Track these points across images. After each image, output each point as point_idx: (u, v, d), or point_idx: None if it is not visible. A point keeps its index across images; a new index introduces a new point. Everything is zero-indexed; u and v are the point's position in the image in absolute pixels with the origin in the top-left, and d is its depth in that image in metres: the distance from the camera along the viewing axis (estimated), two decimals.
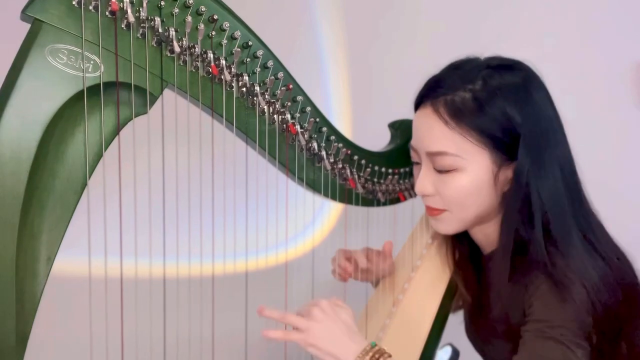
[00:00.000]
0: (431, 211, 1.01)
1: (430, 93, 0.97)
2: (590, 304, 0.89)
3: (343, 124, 1.64)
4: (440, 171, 0.97)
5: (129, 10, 0.75)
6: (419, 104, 1.00)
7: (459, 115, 0.94)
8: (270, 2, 1.64)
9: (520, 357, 0.88)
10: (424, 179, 0.99)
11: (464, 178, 0.96)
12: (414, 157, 1.03)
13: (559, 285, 0.89)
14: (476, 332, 1.13)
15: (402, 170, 1.13)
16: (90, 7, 0.73)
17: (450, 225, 1.01)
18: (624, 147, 1.68)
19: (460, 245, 1.12)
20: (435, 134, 0.95)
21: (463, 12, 1.68)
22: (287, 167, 0.97)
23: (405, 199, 1.17)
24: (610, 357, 0.94)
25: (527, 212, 0.94)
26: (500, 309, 0.99)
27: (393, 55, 1.70)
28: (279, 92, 0.91)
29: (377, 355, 0.88)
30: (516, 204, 0.95)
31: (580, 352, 0.87)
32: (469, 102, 0.94)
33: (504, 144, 0.94)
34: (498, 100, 0.93)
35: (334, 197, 1.05)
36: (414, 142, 1.01)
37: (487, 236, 1.04)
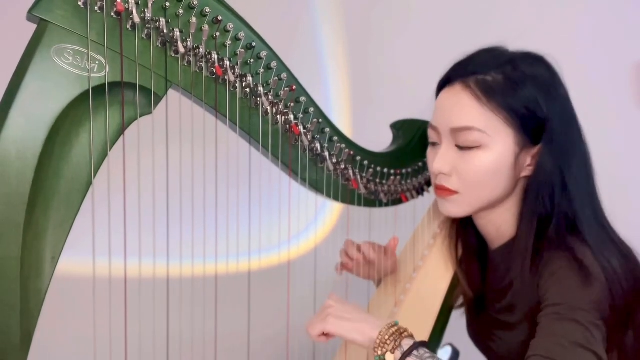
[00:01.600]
0: (442, 192, 1.01)
1: (460, 72, 0.98)
2: (608, 290, 0.89)
3: (343, 124, 1.64)
4: (463, 149, 0.97)
5: (134, 11, 0.75)
6: (445, 84, 1.01)
7: (490, 92, 0.95)
8: (270, 2, 1.65)
9: (539, 340, 0.88)
10: (444, 157, 0.98)
11: (487, 156, 0.96)
12: (432, 137, 1.02)
13: (578, 269, 0.90)
14: (479, 329, 1.13)
15: (404, 171, 1.13)
16: (96, 8, 0.74)
17: (459, 207, 1.01)
18: (624, 147, 1.68)
19: (468, 239, 1.12)
20: (463, 109, 0.96)
21: (463, 13, 1.68)
22: (290, 167, 0.97)
23: (407, 199, 1.17)
24: (618, 344, 0.94)
25: (548, 197, 0.96)
26: (513, 297, 1.00)
27: (393, 55, 1.70)
28: (282, 92, 0.91)
29: (401, 330, 0.89)
30: (539, 187, 0.96)
31: (599, 334, 0.86)
32: (501, 81, 0.95)
33: (529, 126, 0.96)
34: (529, 86, 0.96)
35: (336, 198, 1.06)
36: (435, 121, 1.01)
37: (498, 228, 1.04)
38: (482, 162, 0.96)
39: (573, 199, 0.96)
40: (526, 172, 0.99)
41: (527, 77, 0.96)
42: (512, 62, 0.98)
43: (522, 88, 0.95)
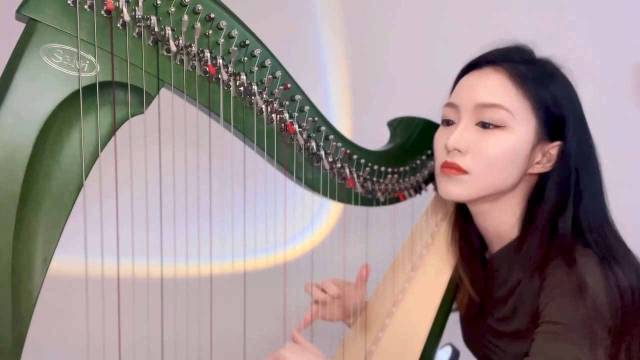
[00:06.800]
0: (450, 170, 0.98)
1: (491, 59, 0.99)
2: (615, 304, 0.88)
3: (342, 123, 1.64)
4: (485, 127, 0.96)
5: (125, 9, 0.75)
6: (471, 68, 1.01)
7: (523, 78, 0.96)
8: (270, 2, 1.64)
9: (533, 359, 0.87)
10: (462, 133, 0.97)
11: (508, 137, 0.95)
12: (448, 115, 1.02)
13: (579, 284, 0.88)
14: (476, 337, 1.12)
15: (401, 169, 1.12)
16: (86, 6, 0.73)
17: (464, 189, 0.98)
18: (624, 147, 1.67)
19: (470, 238, 1.11)
20: (494, 86, 0.97)
21: (462, 13, 1.67)
22: (286, 166, 0.96)
23: (405, 198, 1.16)
24: (626, 351, 0.92)
25: (564, 201, 0.96)
26: (515, 304, 0.99)
27: (392, 54, 1.69)
28: (276, 91, 0.91)
29: None
30: (559, 188, 0.96)
31: (601, 352, 0.86)
32: (533, 71, 0.97)
33: (551, 121, 0.96)
34: (558, 82, 0.98)
35: (333, 197, 1.05)
36: (457, 98, 1.01)
37: (497, 228, 1.03)
38: (502, 143, 0.95)
39: (586, 205, 0.96)
40: (534, 169, 0.99)
41: (556, 75, 0.98)
42: (540, 60, 1.00)
43: (553, 82, 0.97)
